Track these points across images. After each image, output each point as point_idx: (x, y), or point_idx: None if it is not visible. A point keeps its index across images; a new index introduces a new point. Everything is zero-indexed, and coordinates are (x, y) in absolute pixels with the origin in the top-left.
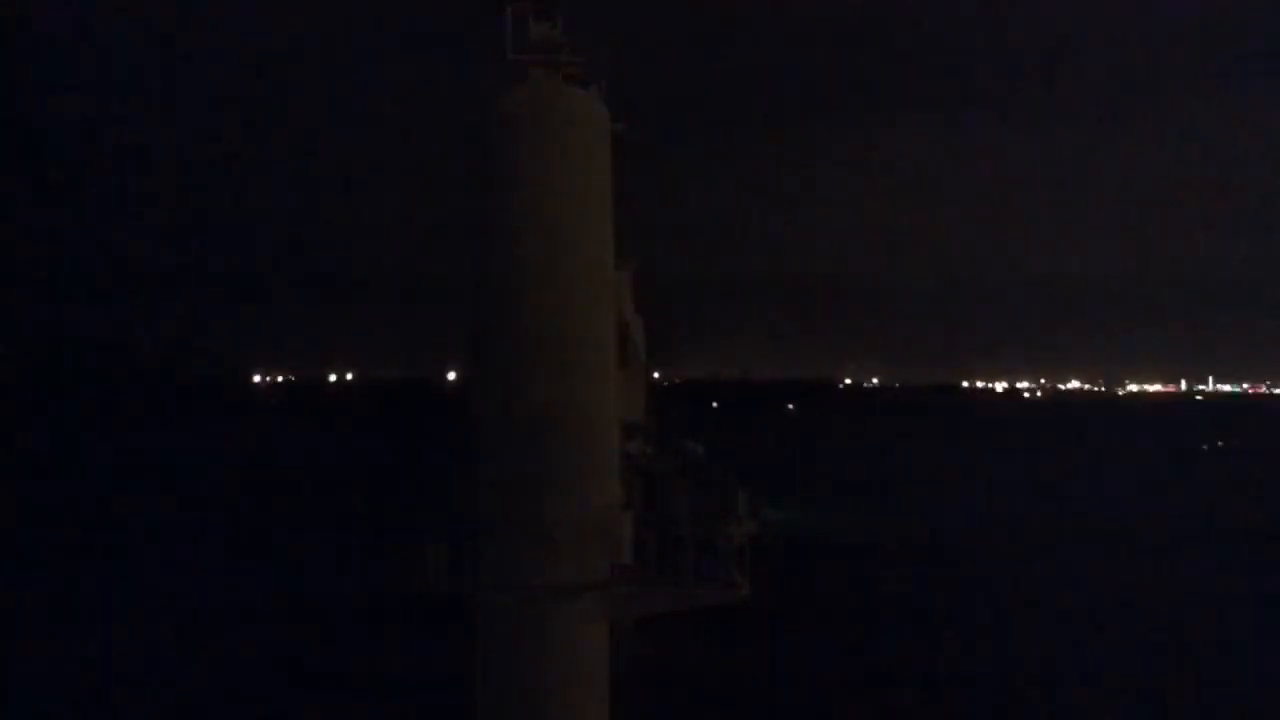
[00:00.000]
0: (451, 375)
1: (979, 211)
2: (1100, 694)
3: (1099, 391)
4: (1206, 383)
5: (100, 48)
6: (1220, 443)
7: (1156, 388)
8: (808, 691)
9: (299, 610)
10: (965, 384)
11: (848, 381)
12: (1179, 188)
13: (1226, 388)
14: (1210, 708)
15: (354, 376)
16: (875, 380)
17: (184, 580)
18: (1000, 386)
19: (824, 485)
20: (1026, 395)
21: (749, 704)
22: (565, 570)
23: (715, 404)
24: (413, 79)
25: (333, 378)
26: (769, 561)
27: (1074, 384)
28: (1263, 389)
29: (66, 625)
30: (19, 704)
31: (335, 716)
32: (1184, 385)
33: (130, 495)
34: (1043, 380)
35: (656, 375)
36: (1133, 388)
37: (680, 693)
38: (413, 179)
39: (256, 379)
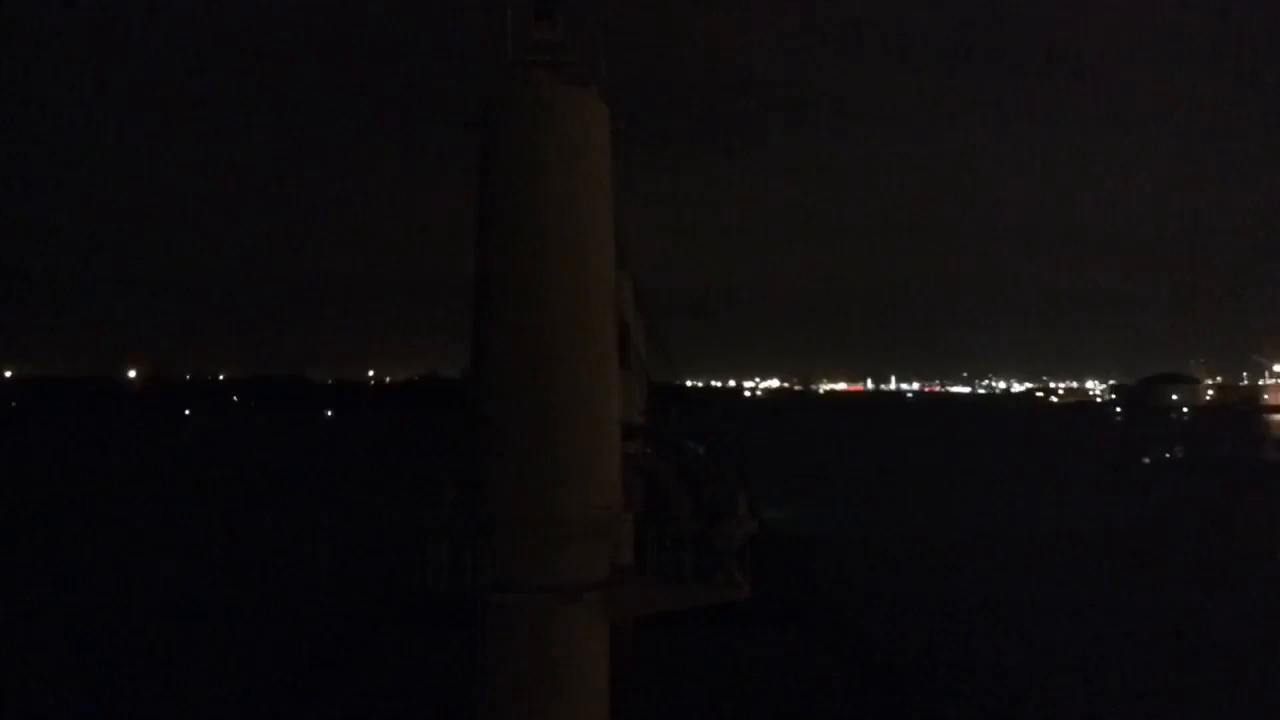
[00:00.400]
0: (132, 373)
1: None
2: (1100, 693)
3: (799, 390)
4: (889, 382)
5: None
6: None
7: (843, 386)
8: (808, 691)
9: (298, 611)
10: (689, 383)
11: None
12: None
13: (905, 386)
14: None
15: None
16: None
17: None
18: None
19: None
20: (746, 394)
21: (749, 704)
22: (565, 570)
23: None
24: (411, 80)
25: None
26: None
27: (774, 383)
28: (936, 387)
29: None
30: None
31: (333, 717)
32: (869, 384)
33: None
34: (758, 379)
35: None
36: (828, 386)
37: (680, 693)
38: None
39: None
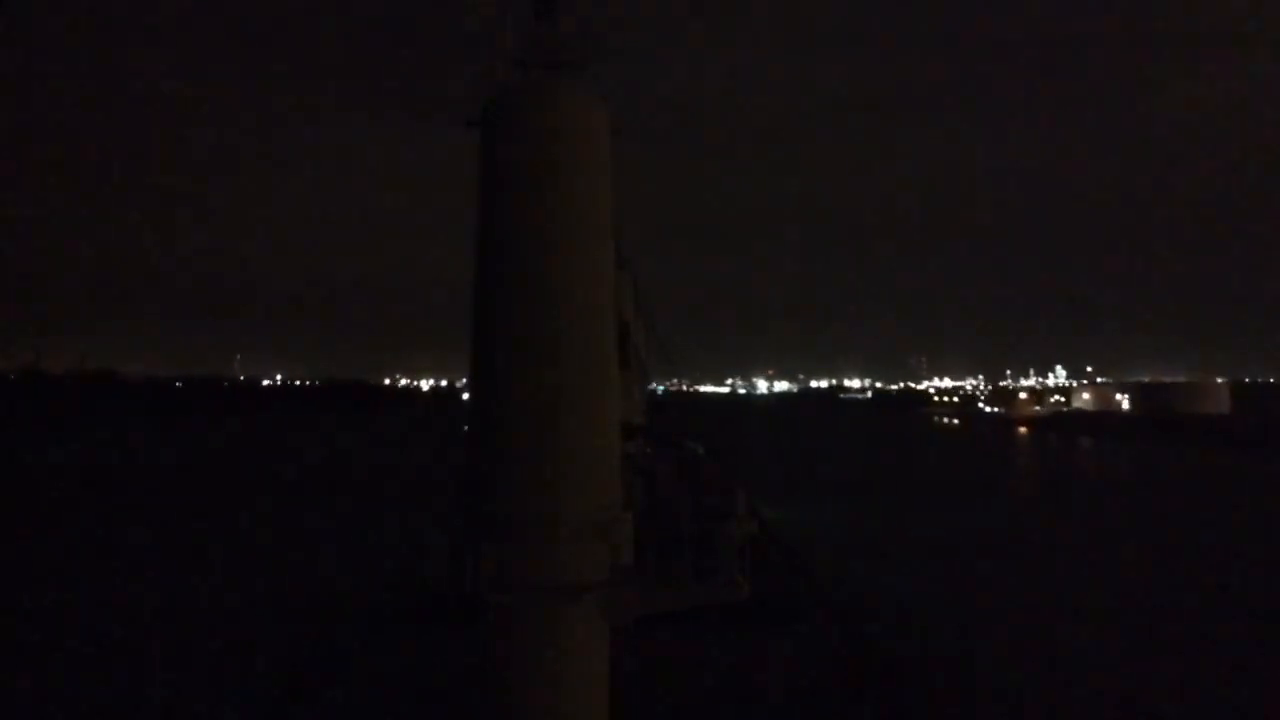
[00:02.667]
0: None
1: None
2: (1103, 692)
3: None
4: None
5: None
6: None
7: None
8: (807, 692)
9: (298, 611)
10: (388, 381)
11: (241, 378)
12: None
13: (654, 386)
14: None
15: None
16: (278, 377)
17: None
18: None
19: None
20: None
21: (749, 704)
22: (565, 570)
23: None
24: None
25: None
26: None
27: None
28: (678, 386)
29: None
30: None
31: (333, 717)
32: None
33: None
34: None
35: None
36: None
37: (680, 693)
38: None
39: None
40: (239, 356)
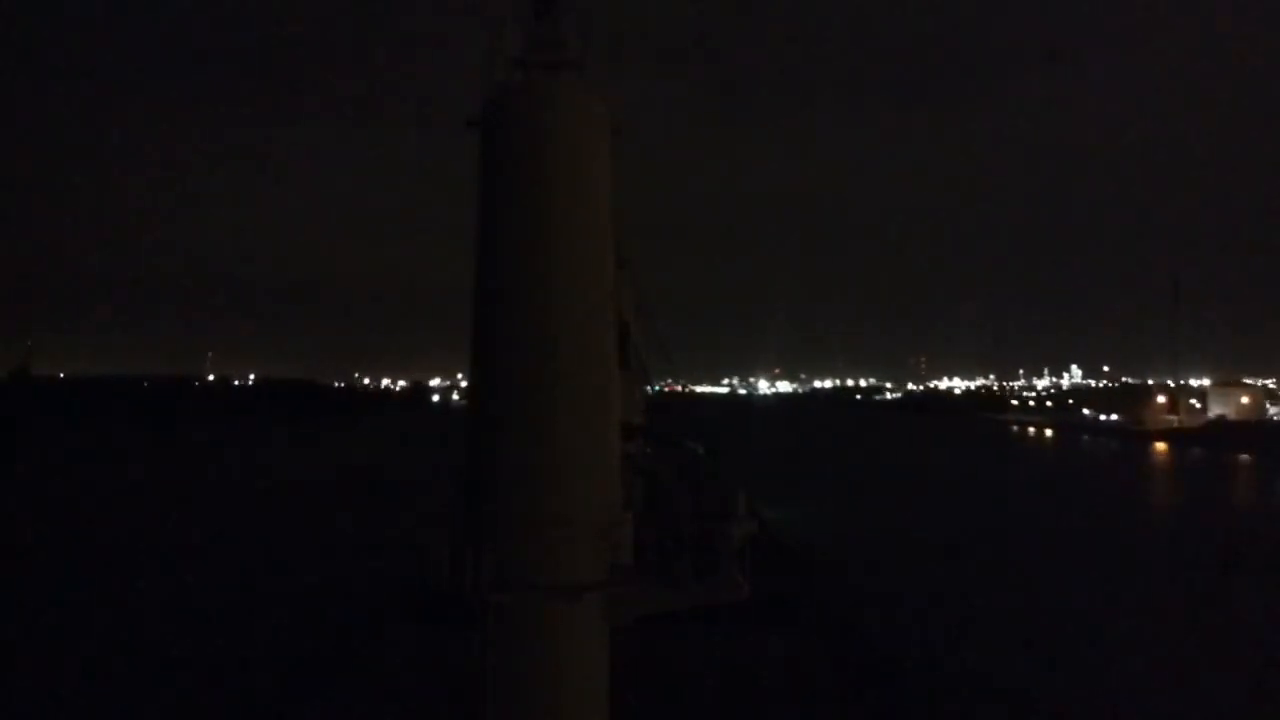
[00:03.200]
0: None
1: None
2: (1104, 694)
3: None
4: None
5: None
6: None
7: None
8: (807, 692)
9: (296, 612)
10: (368, 381)
11: (211, 378)
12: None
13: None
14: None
15: None
16: (251, 377)
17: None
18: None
19: None
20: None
21: (749, 705)
22: (565, 570)
23: None
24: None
25: None
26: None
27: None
28: (674, 387)
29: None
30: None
31: (333, 717)
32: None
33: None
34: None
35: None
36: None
37: (680, 693)
38: None
39: None
40: (210, 354)
